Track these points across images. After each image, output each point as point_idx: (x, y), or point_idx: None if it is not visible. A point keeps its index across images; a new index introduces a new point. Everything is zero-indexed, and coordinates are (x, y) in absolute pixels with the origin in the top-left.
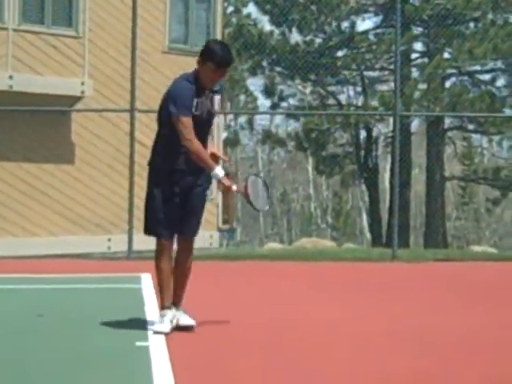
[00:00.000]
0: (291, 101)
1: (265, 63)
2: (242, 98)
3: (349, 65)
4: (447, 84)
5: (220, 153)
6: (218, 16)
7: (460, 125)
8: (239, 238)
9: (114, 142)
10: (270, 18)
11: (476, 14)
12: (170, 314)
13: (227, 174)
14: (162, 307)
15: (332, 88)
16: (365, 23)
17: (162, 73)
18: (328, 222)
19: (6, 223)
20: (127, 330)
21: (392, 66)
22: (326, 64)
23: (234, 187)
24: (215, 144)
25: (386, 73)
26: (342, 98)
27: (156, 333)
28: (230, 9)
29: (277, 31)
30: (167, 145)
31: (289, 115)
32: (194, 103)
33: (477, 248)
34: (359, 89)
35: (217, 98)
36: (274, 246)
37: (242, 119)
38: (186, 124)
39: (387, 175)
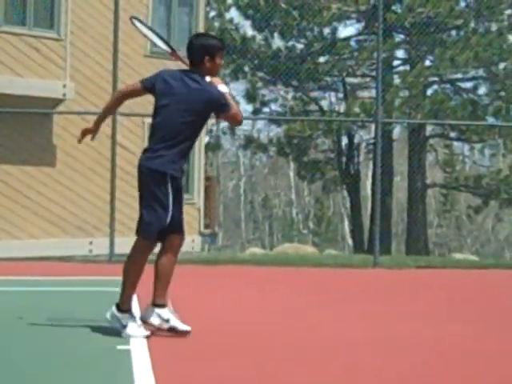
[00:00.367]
0: (273, 106)
1: (247, 68)
2: None
3: (330, 71)
4: (429, 91)
5: None
6: (200, 20)
7: (442, 132)
8: (221, 242)
9: (96, 145)
10: (252, 23)
11: (458, 22)
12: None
13: None
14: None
15: (314, 94)
16: (347, 30)
17: (144, 76)
18: (310, 227)
19: None
20: (108, 334)
21: (374, 73)
22: (308, 70)
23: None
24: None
25: (368, 79)
26: (324, 103)
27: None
28: (213, 13)
29: (259, 36)
30: (183, 149)
31: (271, 120)
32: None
33: (458, 255)
34: (341, 95)
35: None
36: (255, 251)
37: (224, 124)
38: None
39: (369, 182)
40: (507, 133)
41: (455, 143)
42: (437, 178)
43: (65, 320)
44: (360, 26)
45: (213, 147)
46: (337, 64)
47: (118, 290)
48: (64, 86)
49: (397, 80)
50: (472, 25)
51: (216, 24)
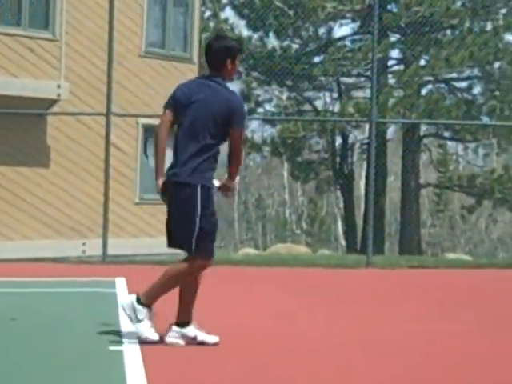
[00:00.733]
0: (267, 106)
1: (241, 68)
2: None
3: (325, 71)
4: (423, 91)
5: None
6: (195, 20)
7: (436, 132)
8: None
9: (90, 146)
10: (247, 23)
11: (453, 21)
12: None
13: None
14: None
15: (308, 94)
16: (342, 29)
17: (139, 77)
18: (303, 227)
19: None
20: (101, 335)
21: (368, 73)
22: (303, 70)
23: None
24: None
25: (363, 79)
26: (319, 104)
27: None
28: (208, 13)
29: (254, 36)
30: (214, 160)
31: (265, 121)
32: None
33: (451, 255)
34: (335, 95)
35: None
36: (248, 251)
37: None
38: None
39: (362, 182)
40: (501, 132)
41: (449, 143)
42: (430, 177)
43: (58, 321)
44: (355, 25)
45: None
46: (331, 64)
47: (111, 291)
48: (58, 86)
49: (391, 80)
50: (467, 24)
51: (211, 24)
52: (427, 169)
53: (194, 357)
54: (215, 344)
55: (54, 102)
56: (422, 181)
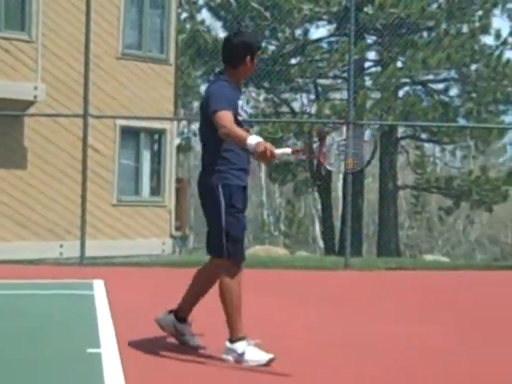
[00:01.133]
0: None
1: (218, 70)
2: (196, 104)
3: (302, 72)
4: (400, 93)
5: None
6: (172, 22)
7: (413, 134)
8: (192, 244)
9: (67, 148)
10: (223, 25)
11: (430, 23)
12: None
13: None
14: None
15: (285, 95)
16: (318, 31)
17: (116, 78)
18: (281, 229)
19: None
20: (79, 337)
21: (345, 75)
22: (280, 71)
23: (285, 150)
24: None
25: (340, 81)
26: (296, 105)
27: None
28: (184, 15)
29: None
30: (226, 157)
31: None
32: (240, 104)
33: (429, 257)
34: (312, 97)
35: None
36: None
37: (196, 126)
38: (224, 117)
39: (340, 183)
40: (478, 134)
41: (426, 145)
42: (408, 179)
43: (35, 323)
44: (332, 27)
45: (184, 149)
46: (308, 65)
47: (89, 293)
48: (35, 88)
49: (368, 82)
50: (444, 26)
51: (188, 26)
52: (405, 170)
53: (173, 359)
54: (270, 361)
55: (30, 103)
56: (399, 182)
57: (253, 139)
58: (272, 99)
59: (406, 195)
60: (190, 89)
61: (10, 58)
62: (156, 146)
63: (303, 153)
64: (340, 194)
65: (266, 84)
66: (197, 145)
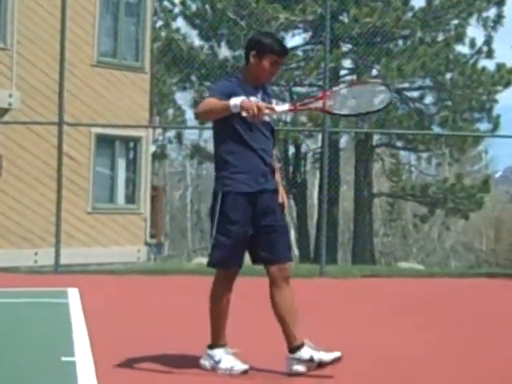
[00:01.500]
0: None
1: (194, 78)
2: (171, 112)
3: (277, 80)
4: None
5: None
6: (147, 30)
7: (388, 142)
8: (167, 252)
9: (42, 155)
10: (199, 33)
11: (405, 32)
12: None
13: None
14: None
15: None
16: (294, 39)
17: (91, 86)
18: None
19: None
20: (53, 345)
21: (321, 82)
22: None
23: (283, 107)
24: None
25: (315, 89)
26: None
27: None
28: (160, 23)
29: (206, 46)
30: (226, 161)
31: None
32: (242, 97)
33: (404, 264)
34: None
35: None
36: (202, 260)
37: (171, 133)
38: (203, 102)
39: (315, 191)
40: (453, 142)
41: (402, 152)
42: (383, 187)
43: (9, 332)
44: (307, 35)
45: (159, 156)
46: (284, 73)
47: (64, 301)
48: (10, 95)
49: None
50: (419, 35)
51: (163, 34)
52: (380, 178)
53: (149, 365)
54: (338, 359)
55: (5, 111)
56: (374, 190)
57: (236, 99)
58: None
59: (381, 203)
60: (166, 96)
61: None
62: (131, 154)
63: (302, 104)
64: (315, 201)
65: None
66: (172, 152)
